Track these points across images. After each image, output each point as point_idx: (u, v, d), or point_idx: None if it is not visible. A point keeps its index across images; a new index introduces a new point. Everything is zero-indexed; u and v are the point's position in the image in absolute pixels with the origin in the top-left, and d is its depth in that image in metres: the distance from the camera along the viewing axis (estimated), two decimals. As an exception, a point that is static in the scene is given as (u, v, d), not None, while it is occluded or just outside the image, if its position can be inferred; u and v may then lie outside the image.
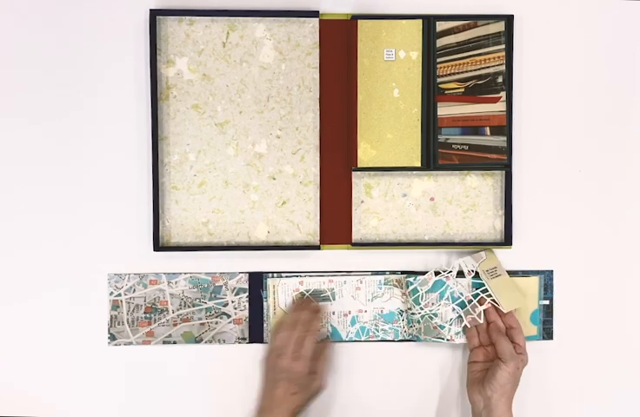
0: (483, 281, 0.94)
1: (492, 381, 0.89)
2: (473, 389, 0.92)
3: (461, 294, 0.94)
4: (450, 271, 0.94)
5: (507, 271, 0.97)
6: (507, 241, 0.97)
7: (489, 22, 0.94)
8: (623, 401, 1.00)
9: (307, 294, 0.96)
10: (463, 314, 0.94)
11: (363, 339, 0.97)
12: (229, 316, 0.96)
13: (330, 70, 0.95)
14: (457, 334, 0.95)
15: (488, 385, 0.89)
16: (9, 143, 0.94)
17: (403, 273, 0.97)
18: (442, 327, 0.94)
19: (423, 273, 0.96)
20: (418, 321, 0.95)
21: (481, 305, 0.93)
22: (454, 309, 0.94)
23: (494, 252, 0.96)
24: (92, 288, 0.95)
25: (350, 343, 0.97)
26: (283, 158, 0.95)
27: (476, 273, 0.95)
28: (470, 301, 0.94)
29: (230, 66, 0.94)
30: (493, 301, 0.93)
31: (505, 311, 0.93)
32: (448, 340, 0.94)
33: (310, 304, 0.95)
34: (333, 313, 0.97)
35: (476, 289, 0.94)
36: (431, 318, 0.94)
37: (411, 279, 0.95)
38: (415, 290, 0.95)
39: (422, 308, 0.95)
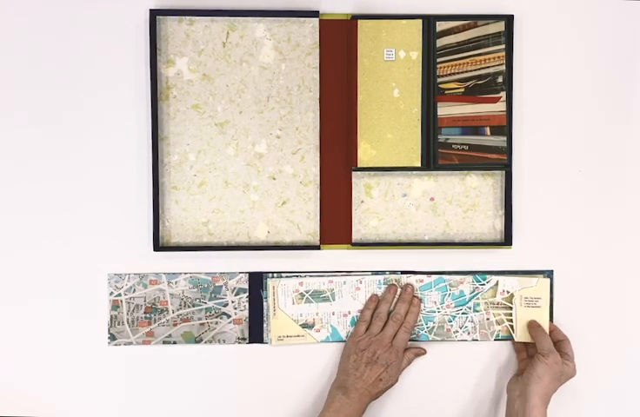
0: (512, 305, 0.96)
1: (530, 371, 0.91)
2: (512, 380, 0.95)
3: (482, 309, 0.97)
4: (484, 284, 0.96)
5: (507, 271, 0.97)
6: (507, 241, 0.97)
7: (489, 22, 0.94)
8: (624, 401, 1.00)
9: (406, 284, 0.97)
10: (478, 327, 0.97)
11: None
12: (229, 316, 0.96)
13: (330, 70, 0.95)
14: (462, 334, 0.97)
15: (527, 375, 0.91)
16: (8, 143, 0.94)
17: (402, 273, 0.97)
18: (455, 331, 0.96)
19: (424, 273, 0.96)
20: (432, 320, 0.96)
21: (498, 325, 0.97)
22: (472, 320, 0.96)
23: (548, 283, 0.97)
24: (92, 288, 0.95)
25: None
26: (283, 158, 0.95)
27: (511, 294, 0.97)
28: (488, 319, 0.97)
29: (229, 66, 0.94)
30: (511, 326, 0.96)
31: (516, 340, 0.96)
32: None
33: (408, 296, 0.96)
34: (333, 313, 0.97)
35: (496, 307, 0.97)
36: (449, 321, 0.96)
37: (445, 276, 0.96)
38: (444, 288, 0.96)
39: (441, 308, 0.96)
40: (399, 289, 0.96)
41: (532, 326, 0.95)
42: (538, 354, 0.92)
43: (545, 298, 0.96)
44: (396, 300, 0.96)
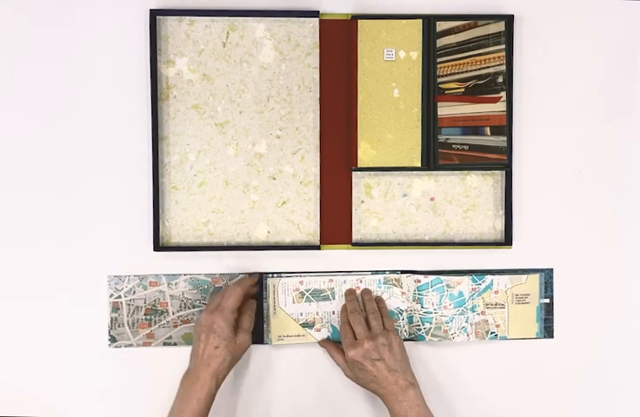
0: (504, 302, 0.96)
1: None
2: None
3: (479, 310, 0.97)
4: (480, 284, 0.96)
5: (507, 270, 0.97)
6: (507, 241, 0.97)
7: (489, 22, 0.94)
8: (624, 400, 1.00)
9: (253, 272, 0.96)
10: (474, 328, 0.97)
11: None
12: (229, 317, 0.96)
13: (330, 70, 0.95)
14: (459, 335, 0.97)
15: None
16: (8, 144, 0.94)
17: (402, 272, 0.97)
18: (453, 333, 0.96)
19: (424, 272, 0.96)
20: (429, 321, 0.96)
21: (493, 324, 0.97)
22: (469, 321, 0.96)
23: (537, 279, 0.97)
24: (92, 290, 0.95)
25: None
26: (283, 158, 0.95)
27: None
28: (486, 319, 0.97)
29: (230, 66, 0.94)
30: (504, 324, 0.97)
31: (509, 338, 0.97)
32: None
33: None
34: (333, 312, 0.97)
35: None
36: (447, 322, 0.96)
37: (442, 277, 0.96)
38: (441, 289, 0.96)
39: (438, 309, 0.96)
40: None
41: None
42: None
43: (534, 294, 0.97)
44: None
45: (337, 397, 0.97)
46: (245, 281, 0.93)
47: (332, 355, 0.94)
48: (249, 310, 0.92)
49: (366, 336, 0.89)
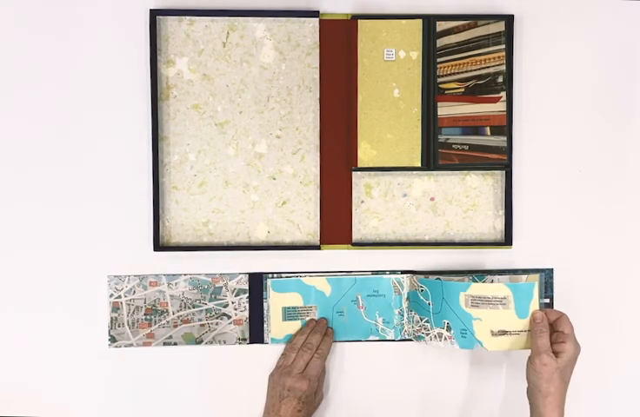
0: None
1: (529, 383, 0.88)
2: (527, 389, 0.90)
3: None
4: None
5: (506, 270, 0.97)
6: (507, 241, 0.97)
7: (489, 22, 0.94)
8: (624, 400, 1.00)
9: (321, 318, 0.97)
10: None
11: (362, 339, 0.97)
12: (229, 317, 0.96)
13: (329, 70, 0.95)
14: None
15: (528, 387, 0.88)
16: (7, 144, 0.94)
17: (402, 273, 0.97)
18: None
19: (424, 272, 0.96)
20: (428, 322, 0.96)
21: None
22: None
23: (537, 279, 0.95)
24: (92, 290, 0.95)
25: (351, 343, 0.97)
26: (284, 158, 0.95)
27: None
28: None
29: (230, 66, 0.94)
30: None
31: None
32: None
33: (322, 328, 0.96)
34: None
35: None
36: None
37: (442, 277, 0.95)
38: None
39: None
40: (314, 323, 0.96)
41: (537, 317, 0.88)
42: (528, 360, 0.87)
43: (534, 295, 0.96)
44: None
45: (337, 397, 0.97)
46: (326, 348, 0.94)
47: None
48: (324, 372, 0.95)
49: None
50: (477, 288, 0.89)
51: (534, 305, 0.88)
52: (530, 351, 0.88)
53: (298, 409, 0.89)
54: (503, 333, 0.89)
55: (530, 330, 0.88)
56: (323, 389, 0.95)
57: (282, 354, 0.95)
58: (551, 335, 0.87)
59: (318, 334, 0.94)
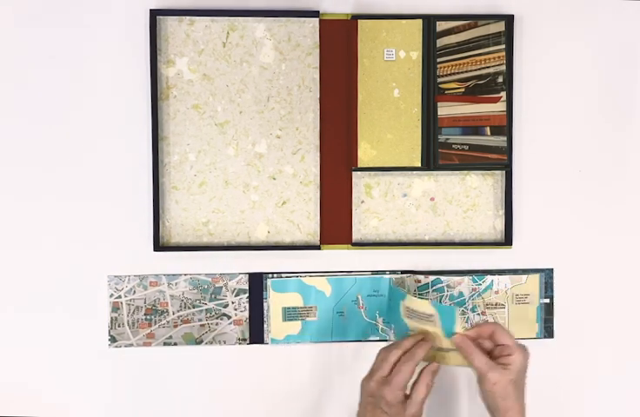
0: (504, 302, 0.96)
1: (485, 402, 0.83)
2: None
3: (479, 310, 0.96)
4: (480, 284, 0.96)
5: (506, 270, 0.97)
6: (507, 241, 0.97)
7: (489, 22, 0.94)
8: (624, 400, 1.00)
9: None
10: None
11: (362, 339, 0.97)
12: (229, 317, 0.96)
13: (330, 70, 0.95)
14: None
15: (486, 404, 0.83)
16: (7, 144, 0.94)
17: (402, 273, 0.97)
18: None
19: (424, 272, 0.96)
20: None
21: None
22: (468, 321, 0.96)
23: (537, 280, 0.95)
24: (92, 290, 0.95)
25: (351, 343, 0.97)
26: (283, 158, 0.95)
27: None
28: (486, 320, 0.96)
29: (230, 66, 0.94)
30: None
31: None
32: None
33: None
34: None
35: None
36: None
37: (442, 277, 0.95)
38: (441, 289, 0.96)
39: None
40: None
41: (458, 342, 0.81)
42: (477, 383, 0.81)
43: (534, 294, 0.96)
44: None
45: (338, 396, 0.97)
46: (418, 352, 0.83)
47: None
48: (425, 379, 0.82)
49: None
50: (410, 301, 0.86)
51: (457, 328, 0.81)
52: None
53: None
54: (439, 349, 0.84)
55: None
56: (422, 406, 0.84)
57: (376, 358, 0.86)
58: (494, 350, 0.82)
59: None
